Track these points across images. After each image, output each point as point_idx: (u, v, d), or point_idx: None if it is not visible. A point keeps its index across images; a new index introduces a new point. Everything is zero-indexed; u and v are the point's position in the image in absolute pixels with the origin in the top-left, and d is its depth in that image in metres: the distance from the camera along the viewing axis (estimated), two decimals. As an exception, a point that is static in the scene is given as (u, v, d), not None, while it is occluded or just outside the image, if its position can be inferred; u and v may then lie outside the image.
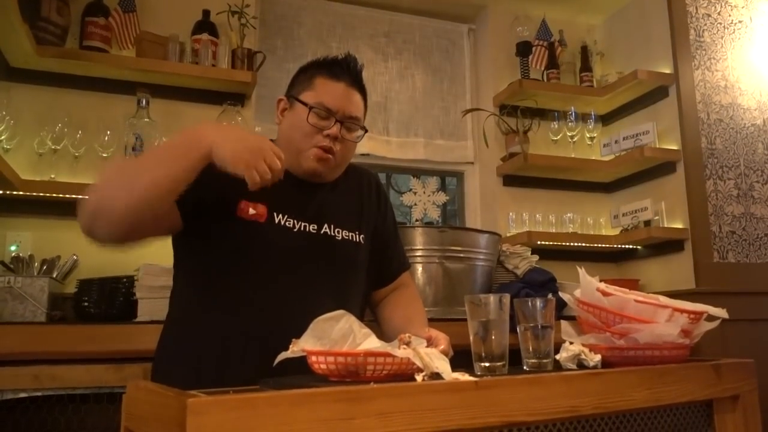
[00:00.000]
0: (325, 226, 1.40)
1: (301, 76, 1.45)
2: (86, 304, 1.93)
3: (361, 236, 1.47)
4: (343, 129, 1.39)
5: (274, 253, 1.32)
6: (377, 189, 1.61)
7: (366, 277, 1.50)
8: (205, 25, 2.49)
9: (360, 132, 1.45)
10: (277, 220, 1.34)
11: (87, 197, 1.18)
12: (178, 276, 1.40)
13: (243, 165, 1.12)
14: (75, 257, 2.15)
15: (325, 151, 1.37)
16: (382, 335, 1.44)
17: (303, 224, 1.37)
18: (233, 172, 1.13)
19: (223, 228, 1.30)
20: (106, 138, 2.28)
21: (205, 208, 1.28)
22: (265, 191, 1.31)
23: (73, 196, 2.16)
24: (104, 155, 2.28)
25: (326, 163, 1.38)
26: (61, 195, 2.15)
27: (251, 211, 1.28)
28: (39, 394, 1.61)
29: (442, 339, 1.27)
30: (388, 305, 1.55)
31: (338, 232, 1.42)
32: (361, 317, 1.42)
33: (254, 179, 1.13)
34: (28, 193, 2.14)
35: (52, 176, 2.21)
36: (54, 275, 2.04)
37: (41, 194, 2.15)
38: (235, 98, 2.49)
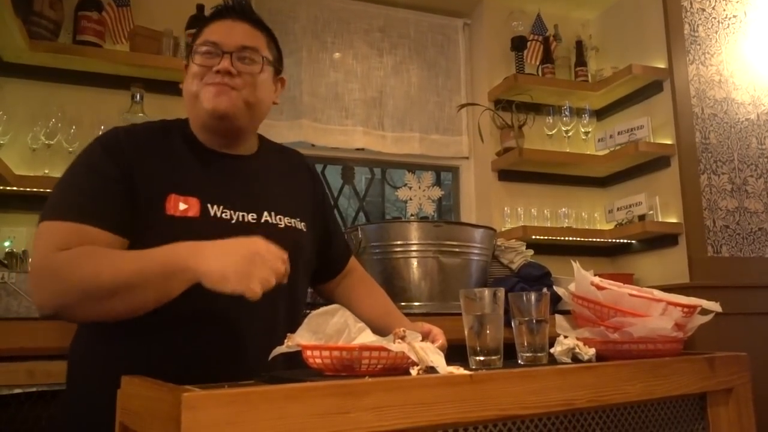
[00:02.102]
0: (265, 213, 1.27)
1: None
2: (81, 299, 1.93)
3: (303, 223, 1.35)
4: (237, 62, 1.23)
5: None
6: (310, 172, 1.50)
7: (310, 266, 1.40)
8: (199, 20, 2.48)
9: (261, 66, 1.26)
10: (212, 213, 1.20)
11: (38, 294, 1.07)
12: None
13: (239, 286, 0.97)
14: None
15: (218, 85, 1.22)
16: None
17: (241, 214, 1.23)
18: (231, 293, 0.98)
19: (155, 228, 1.14)
20: (100, 133, 2.26)
21: (135, 213, 1.15)
22: (194, 179, 1.22)
23: (67, 191, 2.15)
24: (98, 150, 2.27)
25: (225, 97, 1.22)
26: (55, 190, 2.15)
27: (182, 206, 1.16)
28: (34, 389, 1.61)
29: (439, 334, 1.28)
30: (348, 294, 1.50)
31: (280, 219, 1.29)
32: (304, 308, 1.32)
33: (254, 293, 0.97)
34: (21, 189, 2.13)
35: (46, 171, 2.21)
36: (48, 271, 2.03)
37: (35, 190, 2.14)
38: (230, 93, 2.48)
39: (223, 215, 1.20)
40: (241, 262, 0.98)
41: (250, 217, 1.24)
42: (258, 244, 1.02)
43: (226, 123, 1.25)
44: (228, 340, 1.17)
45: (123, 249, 1.12)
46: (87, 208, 1.11)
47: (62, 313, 1.07)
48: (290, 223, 1.31)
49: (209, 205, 1.20)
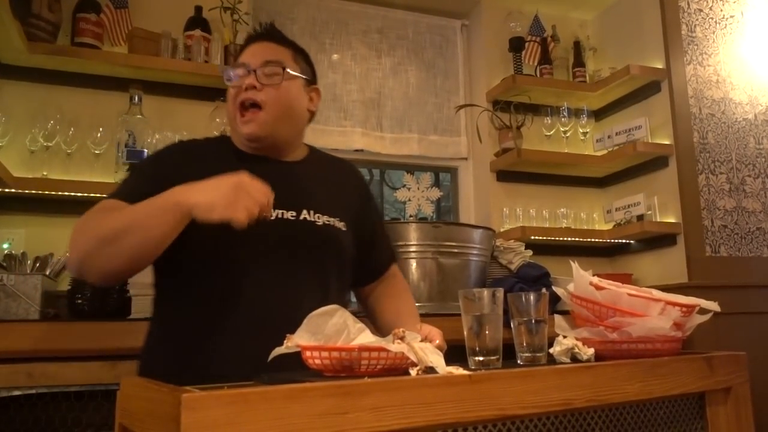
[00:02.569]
0: (304, 211, 1.34)
1: None
2: (80, 301, 1.92)
3: (342, 223, 1.41)
4: (262, 77, 1.34)
5: (252, 245, 1.27)
6: (361, 182, 1.58)
7: (352, 270, 1.46)
8: (197, 21, 2.48)
9: (281, 76, 1.36)
10: None
11: (69, 252, 1.21)
12: (157, 273, 1.36)
13: (225, 213, 1.07)
14: (68, 254, 2.14)
15: (243, 108, 1.33)
16: (374, 328, 1.43)
17: (280, 212, 1.31)
18: (219, 220, 1.08)
19: (198, 224, 1.21)
20: (99, 135, 2.27)
21: None
22: None
23: (66, 193, 2.15)
24: (97, 152, 2.27)
25: (253, 123, 1.34)
26: (53, 192, 2.15)
27: None
28: (33, 391, 1.60)
29: (436, 334, 1.28)
30: (378, 298, 1.54)
31: (318, 217, 1.36)
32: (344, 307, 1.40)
33: (239, 219, 1.07)
34: (20, 191, 2.13)
35: (45, 173, 2.20)
36: (47, 273, 2.03)
37: (33, 191, 2.14)
38: (228, 95, 2.48)
39: None
40: (227, 193, 1.08)
41: (290, 215, 1.32)
42: (241, 177, 1.11)
43: (263, 142, 1.37)
44: (254, 340, 1.17)
45: None
46: (125, 192, 1.27)
47: (84, 267, 1.20)
48: (329, 221, 1.38)
49: None
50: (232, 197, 1.07)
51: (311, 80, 1.46)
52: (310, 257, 1.33)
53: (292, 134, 1.42)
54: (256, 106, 1.33)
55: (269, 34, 1.43)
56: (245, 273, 1.26)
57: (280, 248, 1.30)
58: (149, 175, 1.32)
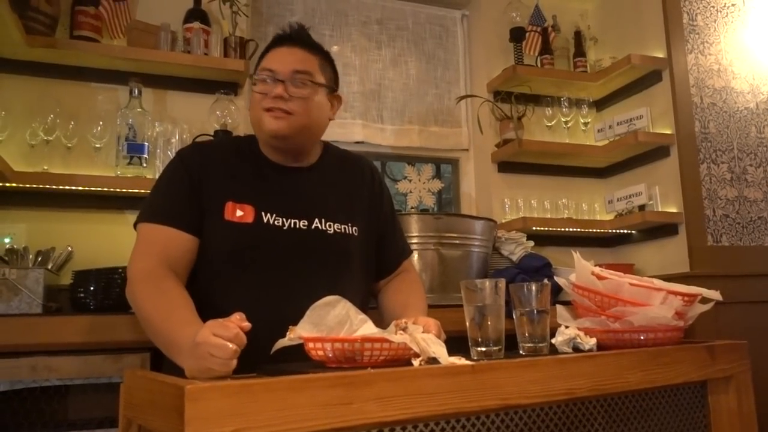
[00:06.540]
0: (316, 220, 1.39)
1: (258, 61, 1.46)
2: (82, 295, 1.93)
3: (354, 228, 1.45)
4: (291, 87, 1.35)
5: (265, 254, 1.32)
6: (372, 178, 1.58)
7: (366, 268, 1.49)
8: (196, 14, 2.47)
9: (311, 87, 1.38)
10: (265, 220, 1.33)
11: (128, 297, 1.28)
12: None
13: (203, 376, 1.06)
14: (70, 248, 2.14)
15: (271, 110, 1.35)
16: (383, 323, 1.44)
17: (293, 221, 1.36)
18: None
19: (214, 232, 1.31)
20: (99, 128, 2.26)
21: (202, 216, 1.33)
22: (251, 189, 1.36)
23: (67, 187, 2.15)
24: (97, 146, 2.27)
25: (283, 121, 1.34)
26: (54, 186, 2.14)
27: (238, 212, 1.32)
28: (36, 385, 1.61)
29: (432, 324, 1.27)
30: (387, 292, 1.55)
31: (329, 225, 1.40)
32: (363, 309, 1.42)
33: (218, 374, 1.04)
34: (21, 185, 2.12)
35: (45, 167, 2.20)
36: (49, 267, 2.03)
37: (34, 186, 2.14)
38: (228, 87, 2.47)
39: (276, 222, 1.34)
40: (201, 364, 1.02)
41: (302, 224, 1.37)
42: (201, 344, 1.01)
43: (286, 143, 1.39)
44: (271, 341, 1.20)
45: (195, 247, 1.31)
46: (169, 211, 1.31)
47: None
48: (340, 228, 1.42)
49: (263, 213, 1.33)
50: (204, 366, 1.03)
51: (334, 88, 1.48)
52: (321, 264, 1.37)
53: (311, 142, 1.46)
54: (284, 111, 1.35)
55: (298, 38, 1.43)
56: (261, 283, 1.31)
57: (293, 256, 1.34)
58: (186, 184, 1.34)
